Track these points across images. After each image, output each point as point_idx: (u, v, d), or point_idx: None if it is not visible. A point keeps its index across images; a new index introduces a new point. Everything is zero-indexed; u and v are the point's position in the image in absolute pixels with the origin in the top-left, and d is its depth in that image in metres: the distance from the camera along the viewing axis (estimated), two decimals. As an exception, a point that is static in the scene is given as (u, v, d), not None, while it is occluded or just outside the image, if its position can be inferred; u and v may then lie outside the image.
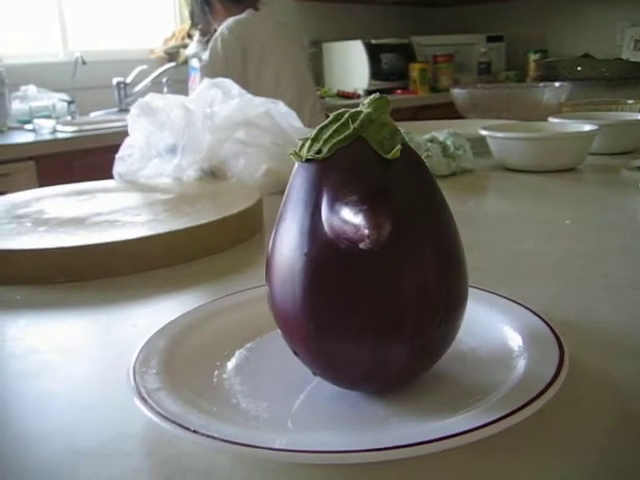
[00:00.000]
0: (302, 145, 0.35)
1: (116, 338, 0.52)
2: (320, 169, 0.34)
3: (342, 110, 0.35)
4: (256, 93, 1.09)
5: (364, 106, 0.35)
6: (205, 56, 2.40)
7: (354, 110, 0.35)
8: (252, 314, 0.45)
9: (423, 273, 0.33)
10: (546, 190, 0.96)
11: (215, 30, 2.42)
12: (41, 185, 1.46)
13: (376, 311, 0.32)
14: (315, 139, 0.34)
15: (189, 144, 0.93)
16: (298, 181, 0.34)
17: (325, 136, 0.34)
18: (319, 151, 0.34)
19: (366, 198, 0.30)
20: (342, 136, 0.33)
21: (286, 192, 0.36)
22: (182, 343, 0.42)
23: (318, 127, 0.35)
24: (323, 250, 0.32)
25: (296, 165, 0.35)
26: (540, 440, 0.34)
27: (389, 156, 0.33)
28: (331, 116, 0.35)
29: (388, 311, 0.32)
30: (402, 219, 0.32)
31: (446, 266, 0.34)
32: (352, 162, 0.33)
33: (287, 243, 0.34)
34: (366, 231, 0.28)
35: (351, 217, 0.29)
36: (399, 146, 0.33)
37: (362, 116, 0.34)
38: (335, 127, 0.34)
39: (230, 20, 2.37)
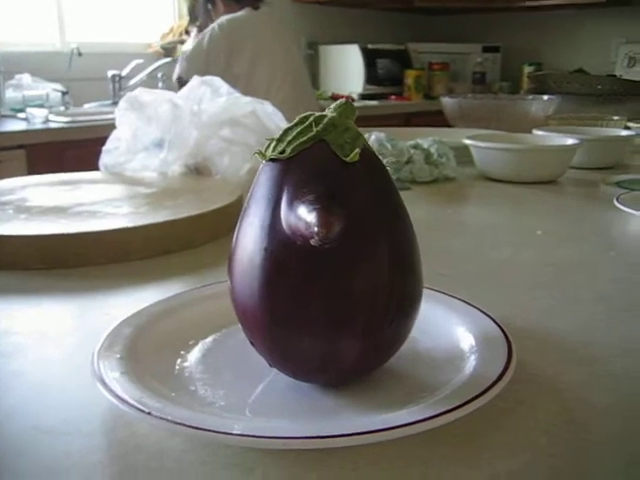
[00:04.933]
0: (268, 145, 0.37)
1: (88, 325, 0.53)
2: (282, 168, 0.35)
3: (307, 113, 0.36)
4: (247, 90, 1.10)
5: (330, 111, 0.37)
6: (190, 47, 2.42)
7: (319, 114, 0.36)
8: (220, 306, 0.45)
9: (375, 272, 0.34)
10: (524, 201, 0.98)
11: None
12: (30, 174, 1.47)
13: (329, 306, 0.34)
14: (280, 140, 0.36)
15: (175, 139, 0.94)
16: (262, 179, 0.36)
17: (289, 137, 0.36)
18: (282, 151, 0.35)
19: (321, 198, 0.31)
20: (305, 138, 0.35)
21: (251, 189, 0.37)
22: (148, 331, 0.43)
23: (284, 128, 0.36)
24: (282, 246, 0.34)
25: (261, 164, 0.37)
26: (483, 436, 0.36)
27: (348, 159, 0.35)
28: (297, 119, 0.36)
29: (340, 307, 0.34)
30: (357, 219, 0.34)
31: (399, 266, 0.35)
32: (313, 163, 0.35)
33: (249, 238, 0.35)
34: (316, 229, 0.29)
35: (305, 215, 0.31)
36: (357, 150, 0.34)
37: (325, 120, 0.35)
38: (299, 129, 0.35)
39: (223, 18, 2.39)
